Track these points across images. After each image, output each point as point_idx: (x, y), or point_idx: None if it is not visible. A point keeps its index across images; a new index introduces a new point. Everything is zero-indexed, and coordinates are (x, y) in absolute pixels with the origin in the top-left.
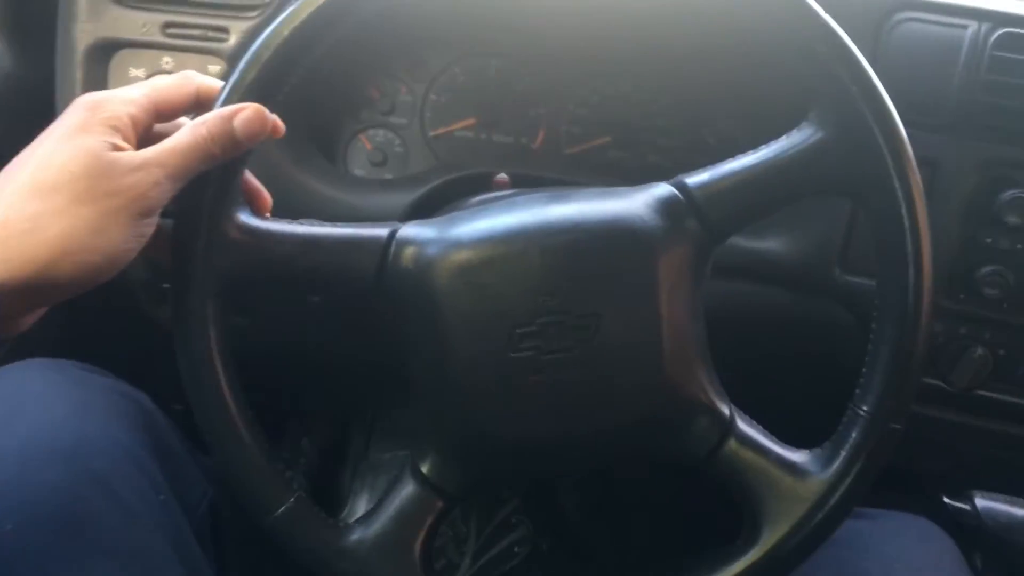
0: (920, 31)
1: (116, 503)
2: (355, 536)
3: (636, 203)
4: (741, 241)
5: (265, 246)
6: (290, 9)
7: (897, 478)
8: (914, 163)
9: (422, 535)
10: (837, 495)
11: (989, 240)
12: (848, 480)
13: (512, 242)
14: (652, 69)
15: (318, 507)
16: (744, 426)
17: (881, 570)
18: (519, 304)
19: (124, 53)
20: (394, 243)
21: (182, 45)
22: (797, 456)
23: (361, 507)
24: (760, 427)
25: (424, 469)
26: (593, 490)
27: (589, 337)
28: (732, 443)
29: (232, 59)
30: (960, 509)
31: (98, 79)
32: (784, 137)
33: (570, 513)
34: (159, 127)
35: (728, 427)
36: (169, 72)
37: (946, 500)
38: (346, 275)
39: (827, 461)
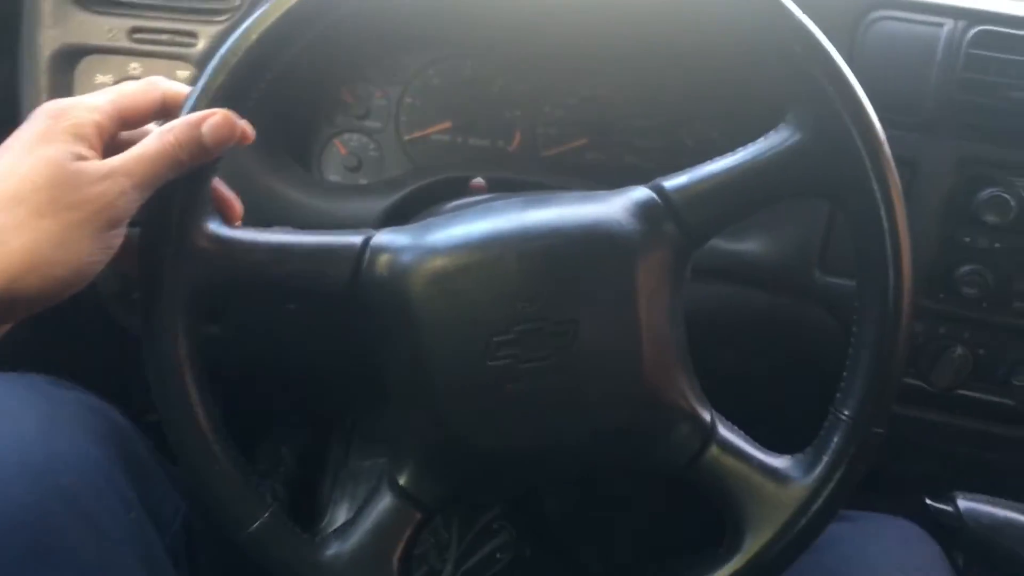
0: (896, 29)
1: (85, 520)
2: (332, 551)
3: (613, 207)
4: (720, 243)
5: (235, 255)
6: (258, 12)
7: (879, 480)
8: (892, 164)
9: (400, 548)
10: (820, 501)
11: (968, 239)
12: (831, 486)
13: (488, 248)
14: (629, 70)
15: (294, 520)
16: (725, 432)
17: (864, 574)
18: (496, 311)
19: (90, 59)
20: (368, 250)
21: (150, 50)
22: (779, 462)
23: (341, 515)
24: (742, 433)
25: (401, 480)
26: (576, 495)
27: (567, 344)
28: (714, 450)
29: (201, 64)
30: (942, 510)
31: (64, 86)
32: (762, 139)
33: (553, 518)
34: (125, 135)
35: (709, 433)
36: (137, 78)
37: (928, 501)
38: (319, 284)
39: (809, 466)
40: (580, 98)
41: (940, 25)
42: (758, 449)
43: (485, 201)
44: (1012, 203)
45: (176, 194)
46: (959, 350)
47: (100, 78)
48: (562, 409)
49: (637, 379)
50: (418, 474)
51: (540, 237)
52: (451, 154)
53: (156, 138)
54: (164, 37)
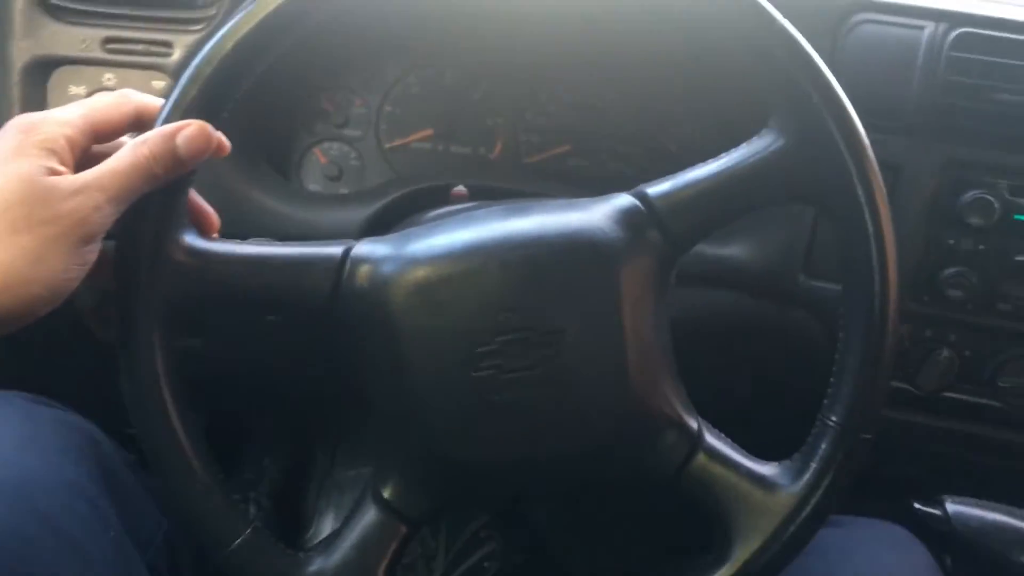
0: (877, 33)
1: (64, 542)
2: (315, 567)
3: (596, 215)
4: (704, 248)
5: (212, 268)
6: (233, 21)
7: (866, 484)
8: (876, 168)
9: (385, 562)
10: (808, 508)
11: (952, 242)
12: (819, 493)
13: (470, 258)
14: (611, 75)
15: (279, 531)
16: (712, 440)
17: None
18: (479, 322)
19: (64, 70)
20: (348, 261)
21: (124, 61)
22: (767, 469)
23: (326, 527)
24: (729, 440)
25: (385, 494)
26: (564, 504)
27: (552, 354)
28: (701, 458)
29: (177, 74)
30: (930, 514)
31: (37, 98)
32: (745, 144)
33: (540, 527)
34: (98, 148)
35: (696, 441)
36: (112, 89)
37: (916, 505)
38: (298, 296)
39: (797, 473)
40: (562, 104)
41: (921, 28)
42: (745, 456)
43: (467, 210)
44: (996, 205)
45: (151, 207)
46: (945, 352)
47: (74, 89)
48: (547, 419)
49: (623, 388)
50: (402, 487)
51: (522, 246)
52: (432, 162)
53: (130, 151)
54: (139, 47)
